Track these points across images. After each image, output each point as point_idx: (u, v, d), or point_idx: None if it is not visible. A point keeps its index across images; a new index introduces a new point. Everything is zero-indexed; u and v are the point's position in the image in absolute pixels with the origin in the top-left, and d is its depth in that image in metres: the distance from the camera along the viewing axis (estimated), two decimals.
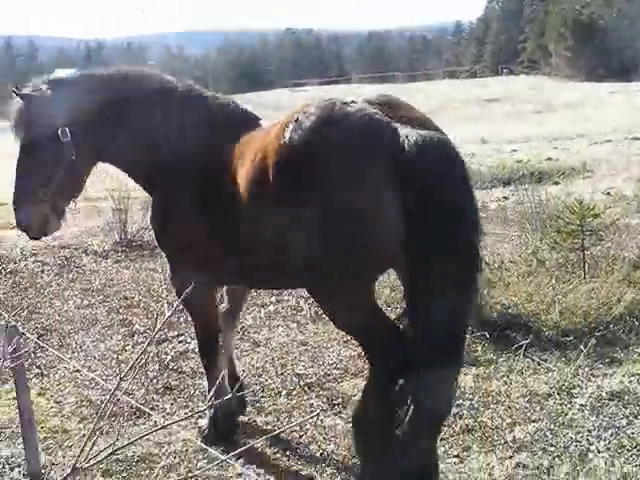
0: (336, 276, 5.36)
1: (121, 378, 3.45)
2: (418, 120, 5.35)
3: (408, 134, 5.10)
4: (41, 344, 9.13)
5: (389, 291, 10.42)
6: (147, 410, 4.64)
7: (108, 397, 3.36)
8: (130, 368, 3.51)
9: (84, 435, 7.37)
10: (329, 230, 5.20)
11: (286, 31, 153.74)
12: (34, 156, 6.74)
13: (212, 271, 6.78)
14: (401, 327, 5.40)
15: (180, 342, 10.20)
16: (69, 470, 3.26)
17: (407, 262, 5.17)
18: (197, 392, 8.45)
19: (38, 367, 9.50)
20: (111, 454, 3.52)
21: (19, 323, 10.75)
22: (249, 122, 6.82)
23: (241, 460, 6.95)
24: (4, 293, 12.71)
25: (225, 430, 7.35)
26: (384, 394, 5.42)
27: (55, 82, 6.98)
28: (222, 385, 7.20)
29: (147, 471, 6.82)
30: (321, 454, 7.09)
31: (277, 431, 7.29)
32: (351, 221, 5.13)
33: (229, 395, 4.37)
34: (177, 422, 6.70)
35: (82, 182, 7.11)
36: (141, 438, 3.88)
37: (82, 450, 3.47)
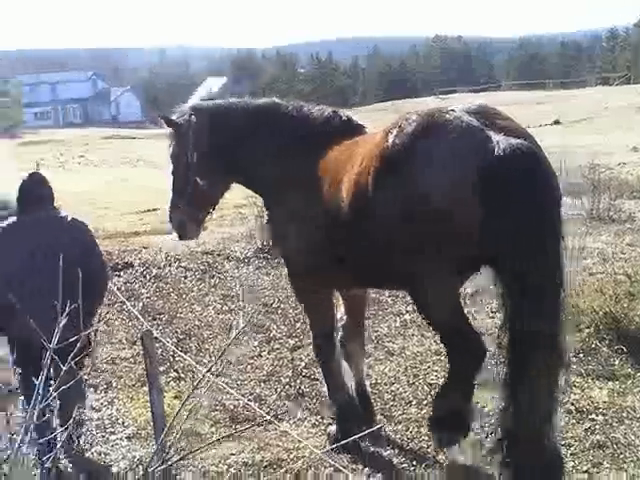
0: (429, 274, 5.85)
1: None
2: (511, 129, 5.71)
3: (499, 140, 5.49)
4: (174, 349, 9.36)
5: None
6: (270, 418, 4.70)
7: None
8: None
9: (217, 439, 7.54)
10: (422, 227, 5.70)
11: (435, 38, 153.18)
12: (174, 173, 7.88)
13: (322, 272, 7.11)
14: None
15: None
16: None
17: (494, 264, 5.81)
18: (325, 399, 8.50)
19: (175, 371, 9.75)
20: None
21: (159, 327, 11.09)
22: (355, 130, 7.31)
23: (367, 469, 7.00)
24: (147, 297, 13.09)
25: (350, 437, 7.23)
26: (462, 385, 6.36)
27: (197, 110, 7.87)
28: (342, 392, 7.53)
29: (275, 476, 6.91)
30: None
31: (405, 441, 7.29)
32: (440, 219, 5.61)
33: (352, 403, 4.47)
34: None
35: (214, 198, 8.07)
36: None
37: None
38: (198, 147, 7.58)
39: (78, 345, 3.87)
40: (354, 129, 7.34)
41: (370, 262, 6.37)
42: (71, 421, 4.79)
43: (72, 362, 3.82)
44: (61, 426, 5.19)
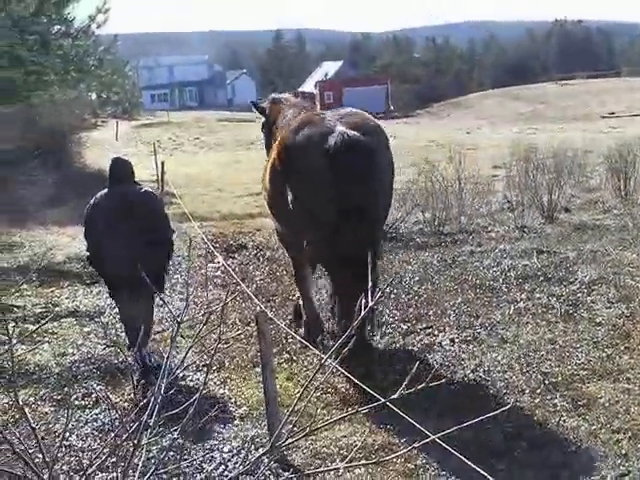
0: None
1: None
2: (357, 124, 9.09)
3: (339, 131, 8.86)
4: (288, 330, 9.42)
5: None
6: (380, 398, 4.70)
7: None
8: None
9: (326, 420, 7.58)
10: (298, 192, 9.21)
11: (555, 23, 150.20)
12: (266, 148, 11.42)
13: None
14: None
15: (427, 335, 10.24)
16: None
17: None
18: (444, 383, 8.45)
19: (288, 352, 9.82)
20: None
21: (273, 309, 11.18)
22: None
23: (478, 455, 6.94)
24: (261, 279, 13.23)
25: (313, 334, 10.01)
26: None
27: (273, 100, 11.37)
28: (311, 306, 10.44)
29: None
30: (563, 456, 6.96)
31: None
32: (307, 184, 9.07)
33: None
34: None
35: None
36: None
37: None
38: (265, 129, 11.48)
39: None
40: None
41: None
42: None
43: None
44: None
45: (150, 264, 7.92)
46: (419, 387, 3.51)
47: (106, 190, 9.20)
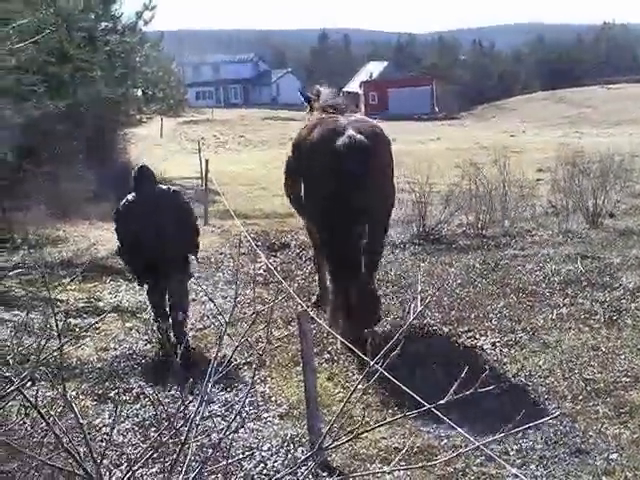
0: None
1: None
2: (362, 129, 10.00)
3: (348, 134, 9.84)
4: (329, 330, 9.41)
5: None
6: (427, 405, 4.69)
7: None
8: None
9: (367, 422, 7.57)
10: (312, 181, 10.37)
11: (604, 26, 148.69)
12: None
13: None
14: None
15: (469, 338, 10.20)
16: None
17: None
18: (485, 387, 8.39)
19: (329, 352, 9.82)
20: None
21: (314, 309, 11.18)
22: None
23: (519, 461, 6.91)
24: (303, 278, 13.25)
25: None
26: None
27: (316, 92, 12.17)
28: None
29: (424, 462, 6.89)
30: (605, 463, 6.90)
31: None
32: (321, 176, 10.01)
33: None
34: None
35: None
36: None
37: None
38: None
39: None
40: None
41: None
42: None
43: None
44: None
45: (177, 250, 10.06)
46: (467, 393, 3.47)
47: (134, 192, 10.34)
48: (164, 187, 10.79)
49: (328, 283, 10.77)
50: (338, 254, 9.96)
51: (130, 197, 10.31)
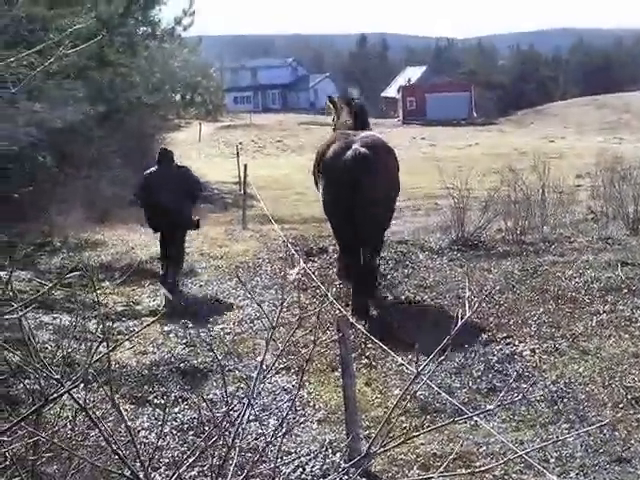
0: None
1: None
2: (368, 143, 12.25)
3: (354, 148, 12.03)
4: (368, 335, 9.39)
5: None
6: (468, 412, 4.67)
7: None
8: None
9: (405, 428, 7.56)
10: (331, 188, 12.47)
11: None
12: None
13: None
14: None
15: (508, 344, 10.14)
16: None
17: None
18: (519, 395, 8.36)
19: (367, 358, 9.81)
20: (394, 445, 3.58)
21: (352, 314, 11.16)
22: None
23: (558, 469, 6.86)
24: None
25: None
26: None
27: (342, 100, 15.14)
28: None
29: (463, 469, 6.86)
30: None
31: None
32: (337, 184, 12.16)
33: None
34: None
35: None
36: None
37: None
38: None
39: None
40: None
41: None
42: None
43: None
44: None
45: (182, 211, 13.25)
46: (508, 402, 3.44)
47: (155, 167, 13.72)
48: (179, 165, 14.29)
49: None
50: (342, 239, 12.78)
51: (153, 169, 13.74)
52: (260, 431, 7.30)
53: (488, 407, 8.06)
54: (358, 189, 11.76)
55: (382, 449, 3.64)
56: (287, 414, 3.94)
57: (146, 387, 9.18)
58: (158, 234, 13.78)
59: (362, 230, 11.95)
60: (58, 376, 3.36)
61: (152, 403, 8.69)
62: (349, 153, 12.04)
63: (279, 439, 5.93)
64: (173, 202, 12.92)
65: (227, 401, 4.34)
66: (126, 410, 8.51)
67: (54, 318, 11.31)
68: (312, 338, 10.26)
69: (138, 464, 3.50)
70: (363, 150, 12.01)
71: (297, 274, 11.43)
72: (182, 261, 13.85)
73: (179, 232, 13.57)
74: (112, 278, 12.99)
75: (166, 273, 13.36)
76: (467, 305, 4.06)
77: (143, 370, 9.75)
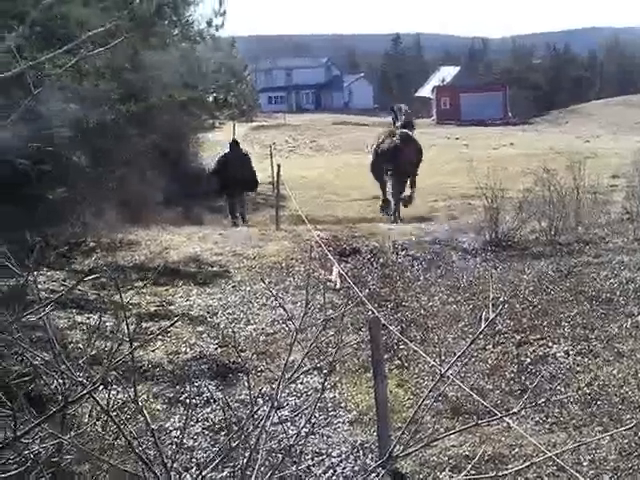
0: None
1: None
2: (401, 136, 21.86)
3: (393, 139, 22.04)
4: (400, 336, 9.36)
5: None
6: (499, 413, 4.64)
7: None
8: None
9: (436, 429, 7.51)
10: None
11: None
12: None
13: None
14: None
15: (541, 346, 10.08)
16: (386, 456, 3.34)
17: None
18: (552, 398, 8.30)
19: (399, 359, 9.78)
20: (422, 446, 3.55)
21: (385, 315, 11.15)
22: None
23: (592, 472, 6.80)
24: (374, 284, 13.20)
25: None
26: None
27: (397, 109, 24.40)
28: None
29: (495, 471, 6.81)
30: None
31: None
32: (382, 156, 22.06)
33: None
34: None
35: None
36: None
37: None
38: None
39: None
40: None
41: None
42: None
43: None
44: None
45: (244, 181, 21.13)
46: (539, 402, 3.41)
47: (228, 150, 21.82)
48: (243, 150, 22.28)
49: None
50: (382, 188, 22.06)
51: (226, 152, 21.88)
52: (291, 432, 7.30)
53: (516, 408, 8.05)
54: (393, 159, 20.90)
55: (407, 450, 3.61)
56: (311, 416, 3.93)
57: (178, 387, 9.21)
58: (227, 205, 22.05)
59: (394, 180, 21.31)
60: (81, 377, 3.36)
61: (184, 403, 8.70)
62: (390, 141, 21.58)
63: (302, 440, 5.91)
64: (241, 173, 20.82)
65: (252, 402, 4.31)
66: (158, 410, 8.55)
67: (88, 318, 11.37)
68: (343, 339, 10.29)
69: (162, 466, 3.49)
70: (397, 141, 21.41)
71: (336, 276, 11.39)
72: (245, 214, 21.90)
73: (244, 195, 22.05)
74: (145, 278, 13.04)
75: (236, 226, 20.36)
76: (491, 307, 4.02)
77: (175, 370, 9.78)
